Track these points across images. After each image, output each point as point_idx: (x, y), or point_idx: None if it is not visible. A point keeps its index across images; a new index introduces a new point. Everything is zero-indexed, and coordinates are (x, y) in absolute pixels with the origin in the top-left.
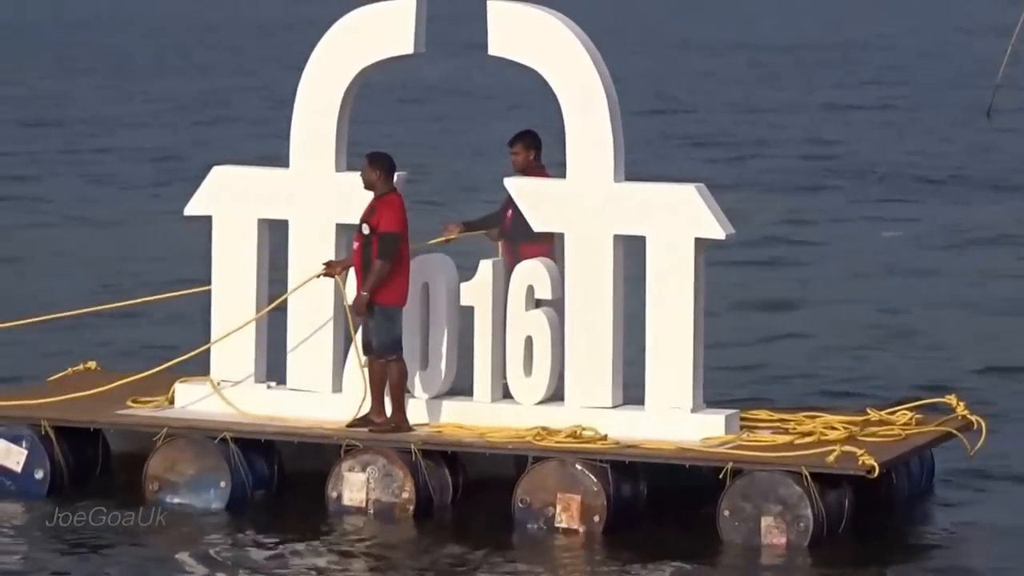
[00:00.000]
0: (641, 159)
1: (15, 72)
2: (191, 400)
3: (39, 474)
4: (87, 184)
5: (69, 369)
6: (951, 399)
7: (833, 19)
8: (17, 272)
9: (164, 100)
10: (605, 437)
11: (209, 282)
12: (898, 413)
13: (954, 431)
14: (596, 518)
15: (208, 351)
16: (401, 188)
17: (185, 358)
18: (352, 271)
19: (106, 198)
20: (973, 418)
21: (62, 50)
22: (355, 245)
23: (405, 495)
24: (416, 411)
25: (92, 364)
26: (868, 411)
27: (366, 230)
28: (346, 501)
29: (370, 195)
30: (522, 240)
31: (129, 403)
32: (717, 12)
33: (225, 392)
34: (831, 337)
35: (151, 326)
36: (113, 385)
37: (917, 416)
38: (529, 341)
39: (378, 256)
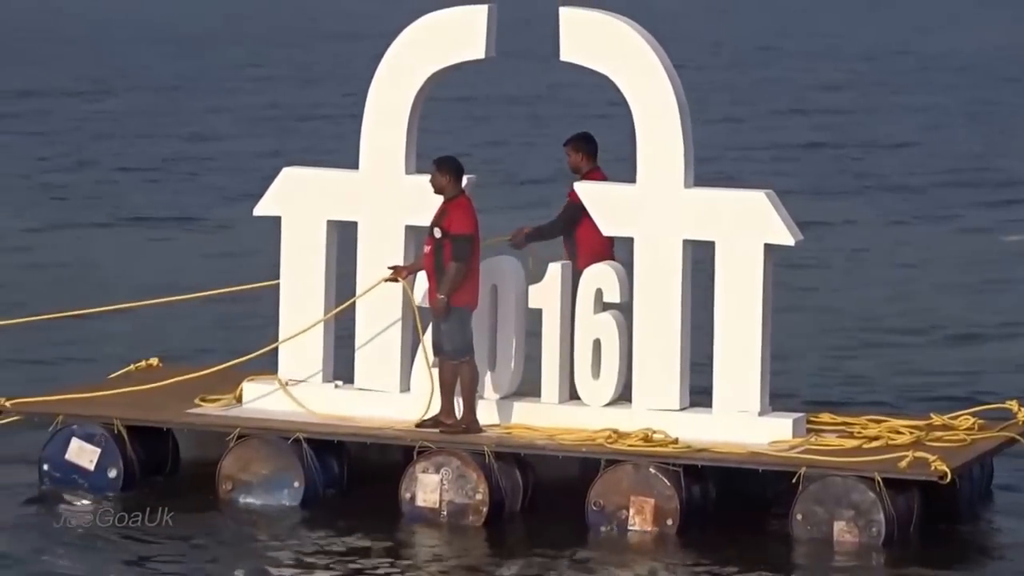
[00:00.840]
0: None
1: (104, 83)
2: (259, 399)
3: (112, 472)
4: (186, 193)
5: (131, 366)
6: (1012, 404)
7: (922, 28)
8: (107, 277)
9: (256, 109)
10: (676, 440)
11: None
12: (960, 418)
13: (1018, 436)
14: (669, 521)
15: (273, 350)
16: (470, 191)
17: (252, 356)
18: (420, 274)
19: (204, 206)
20: None
21: (146, 62)
22: (426, 248)
23: (479, 497)
24: (484, 412)
25: (155, 361)
26: (931, 416)
27: (438, 233)
28: (419, 503)
29: (439, 197)
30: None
31: (198, 401)
32: (800, 20)
33: (293, 391)
34: (907, 340)
35: (215, 327)
36: (183, 378)
37: (979, 421)
38: (597, 344)
39: (452, 258)
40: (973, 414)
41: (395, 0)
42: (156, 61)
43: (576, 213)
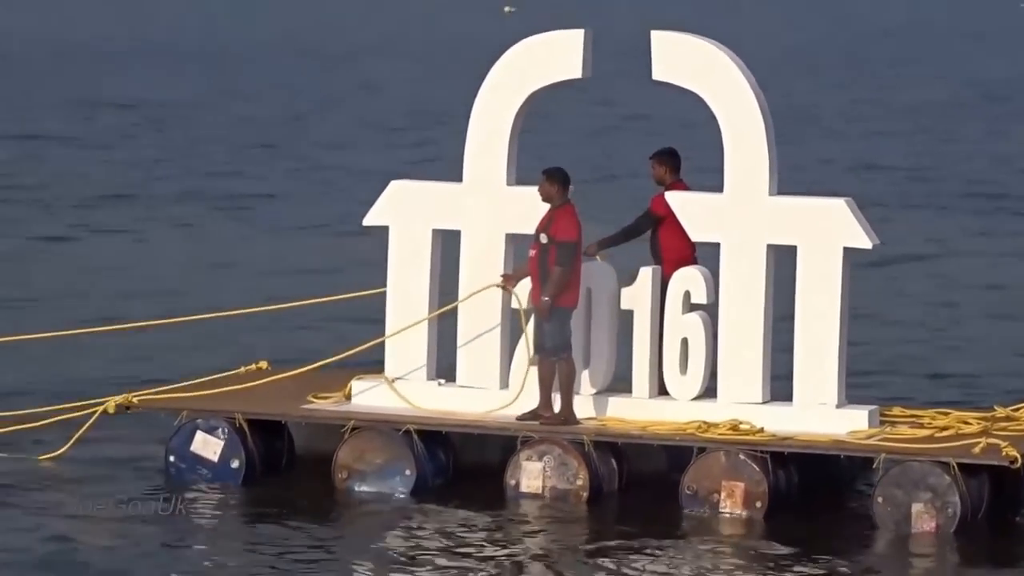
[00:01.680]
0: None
1: (242, 97)
2: (367, 395)
3: (235, 463)
4: (305, 202)
5: (242, 368)
6: None
7: None
8: (230, 277)
9: (374, 122)
10: (762, 430)
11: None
12: (1022, 410)
13: None
14: (758, 504)
15: (378, 348)
16: (573, 200)
17: (359, 350)
18: (516, 281)
19: (321, 214)
20: None
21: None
22: (532, 253)
23: (579, 482)
24: (579, 406)
25: (264, 364)
26: (995, 408)
27: (544, 239)
28: (524, 488)
29: (539, 206)
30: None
31: (310, 398)
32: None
33: (398, 387)
34: (972, 339)
35: (316, 332)
36: (298, 371)
37: None
38: (685, 342)
39: (557, 263)
40: None
41: (501, 21)
42: (300, 76)
43: (650, 222)
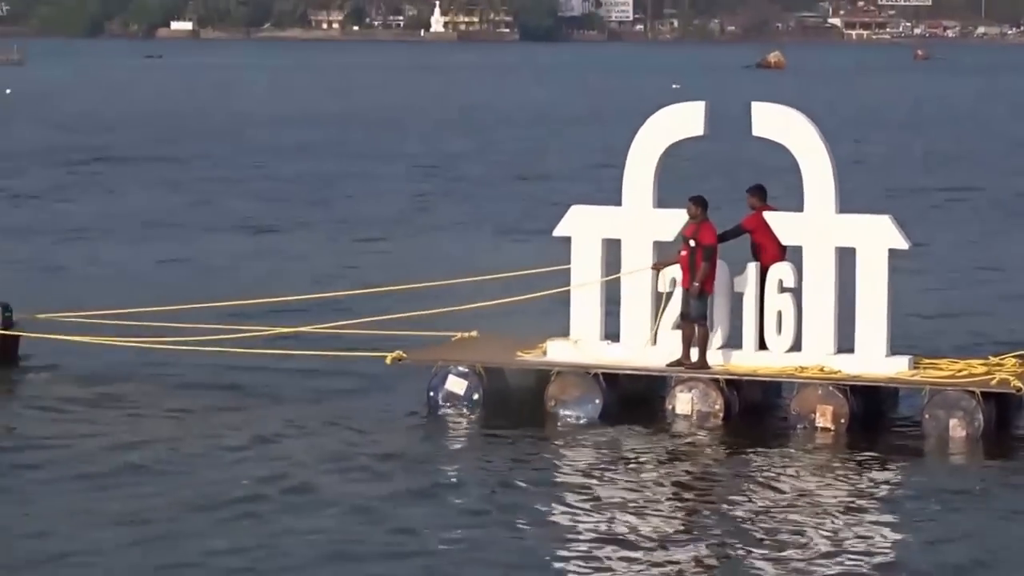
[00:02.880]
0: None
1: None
2: (558, 351)
3: (475, 396)
4: (529, 216)
5: (458, 335)
6: None
7: None
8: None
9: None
10: (839, 371)
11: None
12: (1007, 358)
13: None
14: (843, 420)
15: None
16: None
17: (545, 294)
18: (668, 267)
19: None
20: None
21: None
22: (683, 253)
23: (717, 407)
24: (709, 356)
25: (474, 333)
26: (989, 357)
27: (692, 244)
28: (678, 411)
29: (675, 222)
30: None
31: (519, 354)
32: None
33: (580, 345)
34: (975, 310)
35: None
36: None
37: (1019, 360)
38: (779, 314)
39: (703, 260)
40: (1016, 356)
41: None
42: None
43: (740, 232)
